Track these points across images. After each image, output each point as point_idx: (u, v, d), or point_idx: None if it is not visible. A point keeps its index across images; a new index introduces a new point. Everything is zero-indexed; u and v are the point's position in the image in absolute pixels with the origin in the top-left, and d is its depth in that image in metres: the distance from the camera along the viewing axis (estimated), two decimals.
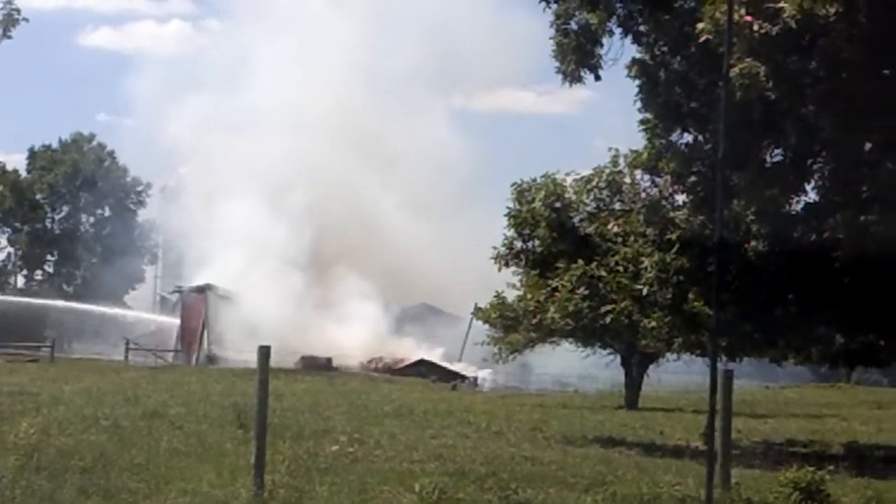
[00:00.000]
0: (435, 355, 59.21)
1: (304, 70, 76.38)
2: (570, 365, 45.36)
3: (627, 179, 28.28)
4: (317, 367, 51.53)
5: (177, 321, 65.95)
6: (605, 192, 28.83)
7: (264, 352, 13.07)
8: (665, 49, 20.06)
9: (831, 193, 19.61)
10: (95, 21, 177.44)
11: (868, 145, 19.14)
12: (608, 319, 27.09)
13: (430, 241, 69.38)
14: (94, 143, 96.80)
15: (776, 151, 20.15)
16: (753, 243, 19.43)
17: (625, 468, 16.21)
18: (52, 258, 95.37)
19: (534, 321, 30.00)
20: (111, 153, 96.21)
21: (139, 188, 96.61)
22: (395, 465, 15.62)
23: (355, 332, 59.97)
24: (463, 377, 52.03)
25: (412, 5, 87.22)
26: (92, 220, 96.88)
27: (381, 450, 17.24)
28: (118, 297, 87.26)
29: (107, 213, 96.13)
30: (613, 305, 26.50)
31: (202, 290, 64.18)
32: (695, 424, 23.15)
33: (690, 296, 21.55)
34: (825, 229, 19.07)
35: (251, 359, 15.56)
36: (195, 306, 63.90)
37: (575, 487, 13.87)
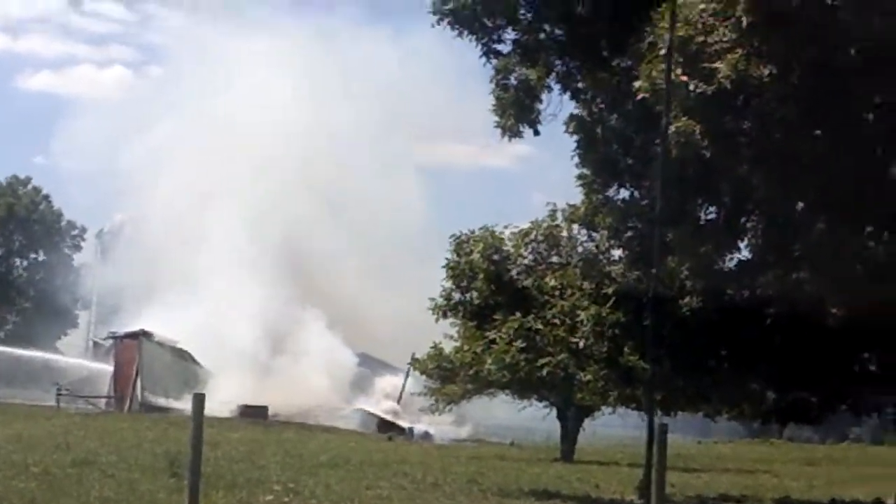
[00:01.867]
0: (380, 407, 59.05)
1: (247, 120, 76.28)
2: (508, 417, 45.39)
3: (565, 233, 28.49)
4: (253, 415, 51.19)
5: (110, 367, 65.12)
6: (543, 246, 29.00)
7: (199, 399, 13.01)
8: (602, 106, 20.36)
9: (764, 252, 19.92)
10: (36, 65, 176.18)
11: (800, 205, 19.49)
12: (545, 372, 27.20)
13: (368, 290, 69.32)
14: (30, 186, 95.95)
15: (710, 209, 20.46)
16: (688, 299, 19.68)
17: None
18: None
19: (470, 372, 30.05)
20: (46, 197, 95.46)
21: (74, 232, 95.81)
22: None
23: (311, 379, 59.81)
24: (401, 428, 51.78)
25: (353, 60, 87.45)
26: (25, 263, 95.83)
27: (316, 500, 17.18)
28: (50, 342, 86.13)
29: (41, 256, 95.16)
30: (550, 358, 26.63)
31: (136, 335, 63.50)
32: (630, 478, 23.27)
33: (626, 350, 21.76)
34: (758, 287, 19.36)
35: (188, 407, 15.46)
36: (129, 353, 63.19)
37: None
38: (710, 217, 20.16)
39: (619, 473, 27.63)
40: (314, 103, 79.12)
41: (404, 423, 54.21)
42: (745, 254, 20.54)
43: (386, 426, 52.56)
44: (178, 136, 78.56)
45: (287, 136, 75.33)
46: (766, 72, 16.27)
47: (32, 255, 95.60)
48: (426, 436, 49.93)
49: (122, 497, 15.81)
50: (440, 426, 51.30)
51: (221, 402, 47.66)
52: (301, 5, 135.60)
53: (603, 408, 33.56)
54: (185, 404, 44.36)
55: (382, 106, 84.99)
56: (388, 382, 61.63)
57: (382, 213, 77.95)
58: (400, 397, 58.76)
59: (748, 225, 20.16)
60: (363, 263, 72.45)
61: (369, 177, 79.82)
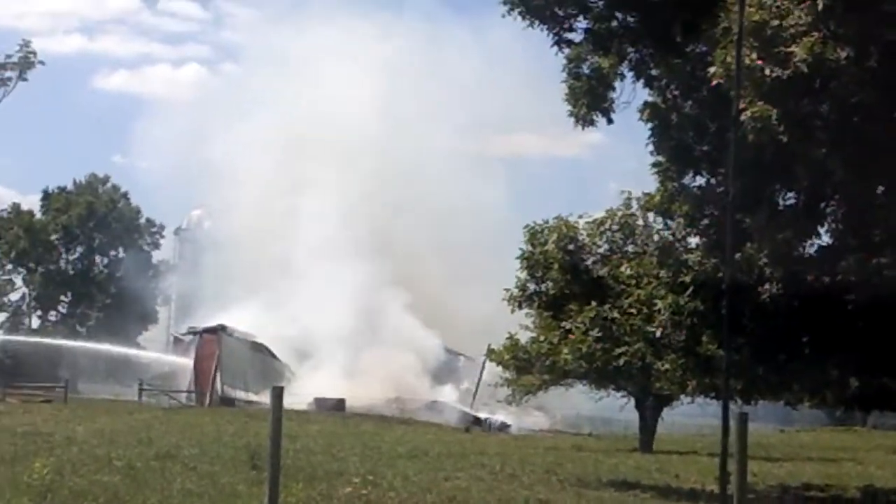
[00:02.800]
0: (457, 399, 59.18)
1: (320, 112, 76.69)
2: (586, 407, 45.21)
3: (640, 222, 28.30)
4: (330, 407, 51.51)
5: (190, 362, 65.93)
6: (618, 235, 28.85)
7: (277, 393, 13.10)
8: (677, 93, 20.15)
9: (844, 236, 19.61)
10: (112, 64, 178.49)
11: (880, 188, 19.17)
12: (621, 361, 27.07)
13: (447, 281, 69.30)
14: (109, 184, 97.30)
15: (789, 194, 20.19)
16: (767, 286, 19.39)
17: None
18: (66, 299, 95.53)
19: (547, 363, 29.96)
20: (125, 194, 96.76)
21: (153, 229, 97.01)
22: None
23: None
24: (479, 419, 51.59)
25: (425, 50, 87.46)
26: (106, 260, 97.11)
27: (395, 492, 17.20)
28: (131, 337, 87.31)
29: (120, 254, 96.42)
30: (626, 347, 26.49)
31: (215, 331, 64.23)
32: (710, 468, 23.05)
33: (704, 338, 21.52)
34: (838, 272, 19.06)
35: (266, 401, 15.57)
36: (209, 347, 63.91)
37: None
38: (788, 202, 19.90)
39: (698, 463, 27.40)
40: (391, 97, 79.41)
41: (482, 415, 54.23)
42: (825, 239, 20.24)
43: (464, 418, 52.59)
44: (255, 133, 79.25)
45: (365, 130, 75.55)
46: (843, 55, 16.02)
47: (112, 253, 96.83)
48: (503, 427, 49.89)
49: (204, 490, 15.96)
50: (518, 417, 51.28)
51: (298, 395, 48.02)
52: None
53: (682, 397, 33.32)
54: (263, 397, 44.80)
55: (456, 98, 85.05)
56: (466, 374, 61.68)
57: (459, 205, 77.84)
58: (476, 388, 58.78)
59: (827, 210, 19.86)
60: (442, 255, 72.36)
61: (445, 169, 79.78)
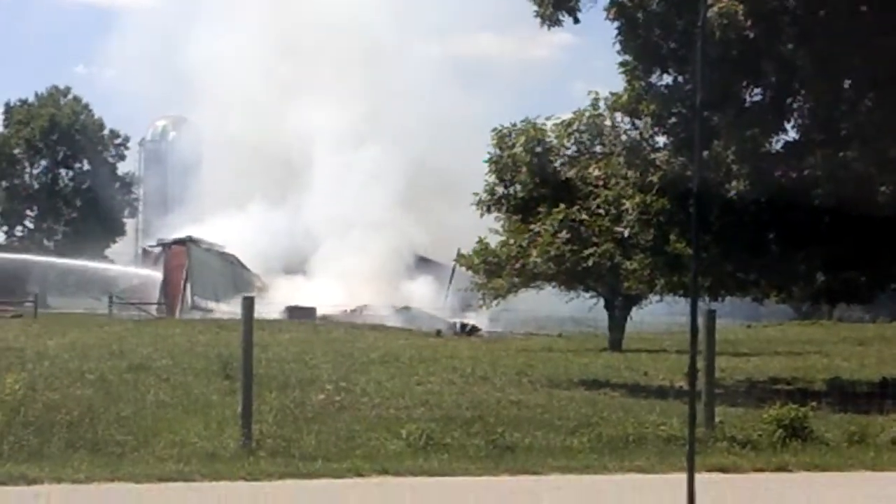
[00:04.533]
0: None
1: (282, 19, 75.80)
2: (555, 308, 45.45)
3: (608, 122, 28.15)
4: (301, 315, 51.64)
5: (160, 274, 65.84)
6: (586, 136, 28.68)
7: (248, 303, 13.10)
8: None
9: (810, 132, 19.65)
10: None
11: (847, 83, 19.17)
12: (590, 262, 27.20)
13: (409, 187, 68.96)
14: (70, 96, 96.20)
15: (755, 91, 20.18)
16: (734, 183, 19.44)
17: (610, 410, 16.31)
18: (32, 213, 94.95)
19: (516, 266, 30.04)
20: (87, 106, 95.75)
21: (117, 141, 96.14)
22: (382, 412, 15.69)
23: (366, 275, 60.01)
24: (472, 326, 51.57)
25: None
26: (70, 174, 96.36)
27: (368, 397, 17.30)
28: (99, 251, 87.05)
29: (85, 166, 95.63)
30: (595, 248, 26.59)
31: (184, 242, 64.04)
32: (679, 365, 23.34)
33: (672, 237, 21.61)
34: (805, 168, 19.12)
35: (237, 311, 15.56)
36: (178, 259, 63.78)
37: (561, 430, 13.95)
38: (755, 99, 19.90)
39: (667, 361, 27.69)
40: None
41: (453, 319, 54.48)
42: (791, 135, 20.29)
43: (436, 322, 52.79)
44: (226, 39, 78.17)
45: (331, 27, 74.64)
46: None
47: (77, 166, 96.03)
48: (473, 330, 50.19)
49: (178, 401, 15.98)
50: (487, 321, 51.53)
51: (270, 304, 48.08)
52: None
53: (650, 296, 33.55)
54: (234, 307, 44.82)
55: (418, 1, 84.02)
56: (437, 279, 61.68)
57: (422, 107, 77.25)
58: (447, 294, 58.98)
59: (794, 105, 19.88)
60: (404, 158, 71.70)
61: (409, 71, 78.91)
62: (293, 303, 54.86)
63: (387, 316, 54.91)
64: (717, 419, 13.72)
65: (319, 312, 54.19)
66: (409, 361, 25.94)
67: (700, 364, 13.12)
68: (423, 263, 64.22)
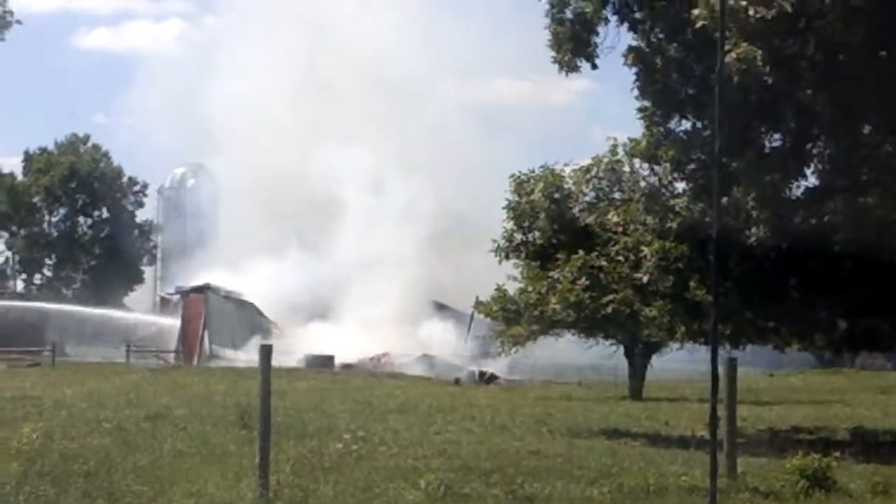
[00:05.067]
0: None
1: (304, 63, 76.09)
2: (573, 356, 45.21)
3: (627, 168, 28.07)
4: (320, 364, 51.50)
5: (177, 322, 65.81)
6: (605, 182, 28.62)
7: (266, 351, 13.01)
8: (661, 36, 20.00)
9: (831, 177, 19.53)
10: (91, 22, 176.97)
11: (867, 128, 19.07)
12: (609, 309, 26.96)
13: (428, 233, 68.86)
14: (90, 144, 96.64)
15: (775, 136, 20.08)
16: (754, 230, 19.32)
17: (630, 459, 16.13)
18: (51, 261, 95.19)
19: (535, 313, 29.84)
20: (106, 154, 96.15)
21: (136, 188, 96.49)
22: (400, 461, 15.53)
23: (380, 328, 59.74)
24: (490, 375, 51.17)
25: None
26: (89, 221, 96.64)
27: (386, 446, 17.15)
28: (118, 298, 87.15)
29: (104, 214, 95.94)
30: (614, 295, 26.37)
31: (202, 290, 64.07)
32: (700, 413, 23.08)
33: (692, 284, 21.45)
34: (825, 213, 18.99)
35: (254, 358, 15.47)
36: (195, 307, 63.79)
37: (581, 480, 13.79)
38: (774, 145, 19.79)
39: (688, 409, 27.45)
40: (374, 40, 78.36)
41: (472, 367, 54.17)
42: (811, 180, 20.16)
43: (454, 371, 52.50)
44: (243, 85, 78.57)
45: (348, 73, 74.87)
46: None
47: (96, 213, 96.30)
48: (492, 378, 49.91)
49: (195, 450, 15.88)
50: (506, 368, 51.24)
51: (288, 352, 47.96)
52: None
53: (670, 343, 33.29)
54: (252, 355, 44.72)
55: (438, 46, 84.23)
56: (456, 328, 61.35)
57: (441, 153, 77.17)
58: (466, 341, 58.71)
59: (814, 151, 19.77)
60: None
61: (428, 116, 79.01)
62: (312, 350, 54.72)
63: (406, 364, 54.65)
64: (739, 469, 13.54)
65: (339, 360, 54.00)
66: (427, 410, 25.78)
67: (721, 413, 12.97)
68: (441, 310, 64.00)
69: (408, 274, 62.71)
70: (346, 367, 52.77)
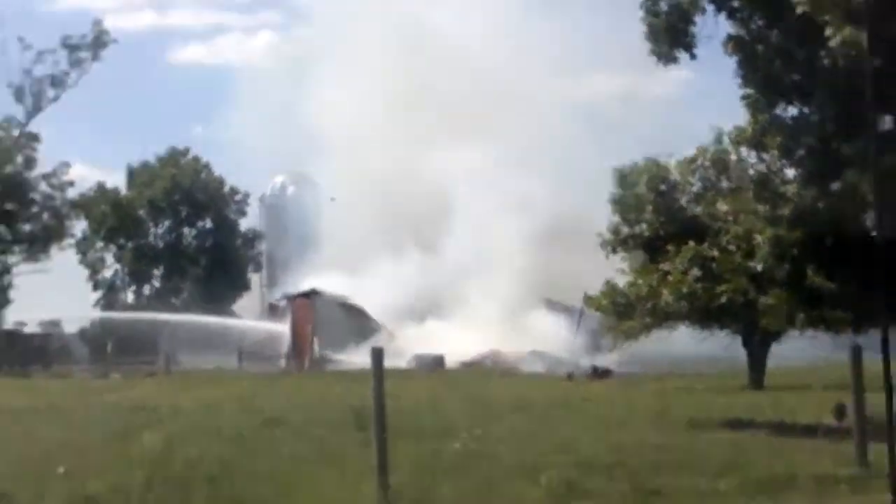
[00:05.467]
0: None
1: (404, 66, 76.14)
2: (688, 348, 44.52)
3: (733, 157, 27.65)
4: (430, 364, 51.51)
5: (286, 328, 66.48)
6: (711, 172, 28.24)
7: (377, 353, 13.03)
8: (761, 23, 19.68)
9: None
10: (185, 38, 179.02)
11: None
12: (724, 299, 26.51)
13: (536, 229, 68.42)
14: (190, 156, 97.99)
15: (887, 118, 19.59)
16: (870, 212, 18.83)
17: (756, 450, 15.78)
18: (159, 272, 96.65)
19: (647, 306, 29.47)
20: (206, 165, 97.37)
21: (237, 198, 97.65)
22: (520, 459, 15.38)
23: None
24: (604, 369, 50.66)
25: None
26: (194, 232, 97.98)
27: (504, 445, 17.02)
28: (226, 306, 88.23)
29: (208, 224, 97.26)
30: (728, 285, 25.93)
31: (309, 295, 64.63)
32: (825, 401, 22.54)
33: (809, 271, 21.01)
34: None
35: (364, 361, 15.51)
36: (303, 312, 64.36)
37: (706, 473, 13.52)
38: (887, 126, 19.30)
39: (813, 397, 26.80)
40: (474, 41, 78.06)
41: (582, 362, 53.78)
42: None
43: (565, 366, 52.14)
44: (338, 94, 78.94)
45: (449, 76, 74.73)
46: None
47: (200, 224, 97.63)
48: (606, 373, 49.43)
49: (314, 454, 15.93)
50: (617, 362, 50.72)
51: (398, 354, 48.03)
52: None
53: (790, 331, 32.59)
54: (361, 358, 44.91)
55: (536, 44, 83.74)
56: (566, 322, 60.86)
57: (544, 149, 76.59)
58: (575, 336, 58.34)
59: None
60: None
61: (530, 112, 78.49)
62: (421, 351, 54.75)
63: (517, 361, 54.38)
64: (871, 457, 13.20)
65: (449, 359, 53.96)
66: (543, 406, 25.59)
67: (848, 401, 12.66)
68: (551, 305, 63.67)
69: (517, 270, 62.43)
70: (466, 365, 52.64)
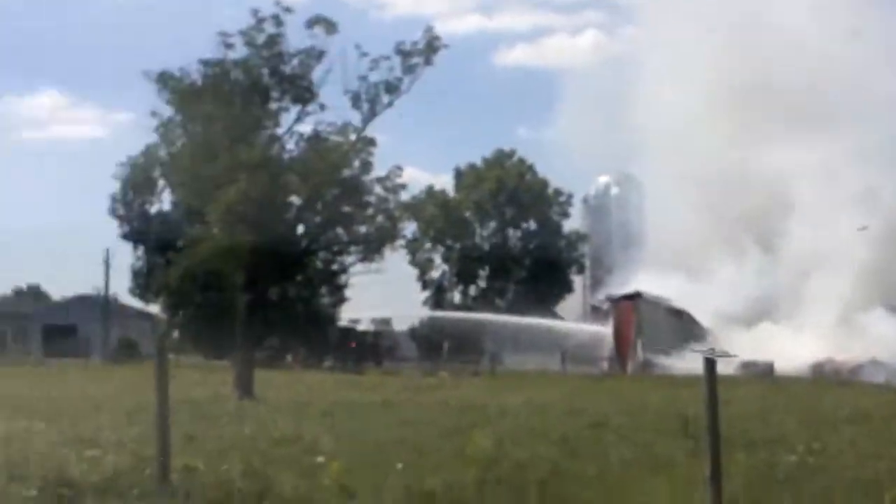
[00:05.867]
0: None
1: (737, 64, 74.12)
2: None
3: None
4: (757, 372, 50.13)
5: (609, 330, 66.35)
6: None
7: (710, 365, 12.65)
8: None
9: None
10: (510, 40, 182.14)
11: None
12: None
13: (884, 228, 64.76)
14: (515, 158, 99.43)
15: None
16: None
17: None
18: (484, 273, 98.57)
19: None
20: (531, 167, 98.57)
21: (561, 199, 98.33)
22: (860, 474, 14.61)
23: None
24: None
25: None
26: (518, 233, 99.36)
27: (844, 459, 16.24)
28: (548, 308, 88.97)
29: (532, 226, 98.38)
30: None
31: (632, 297, 64.26)
32: None
33: None
34: None
35: (689, 366, 15.16)
36: (627, 314, 64.06)
37: None
38: None
39: None
40: (809, 29, 75.13)
41: None
42: None
43: None
44: (667, 93, 77.81)
45: (784, 69, 72.29)
46: None
47: (524, 225, 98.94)
48: None
49: (642, 460, 15.69)
50: None
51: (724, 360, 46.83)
52: None
53: None
54: (686, 363, 44.24)
55: (872, 32, 79.63)
56: None
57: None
58: None
59: None
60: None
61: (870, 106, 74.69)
62: (748, 357, 53.29)
63: (855, 369, 52.03)
64: None
65: (778, 366, 52.28)
66: (881, 420, 24.30)
67: None
68: (893, 309, 60.37)
69: (857, 272, 59.71)
70: (801, 373, 50.95)
